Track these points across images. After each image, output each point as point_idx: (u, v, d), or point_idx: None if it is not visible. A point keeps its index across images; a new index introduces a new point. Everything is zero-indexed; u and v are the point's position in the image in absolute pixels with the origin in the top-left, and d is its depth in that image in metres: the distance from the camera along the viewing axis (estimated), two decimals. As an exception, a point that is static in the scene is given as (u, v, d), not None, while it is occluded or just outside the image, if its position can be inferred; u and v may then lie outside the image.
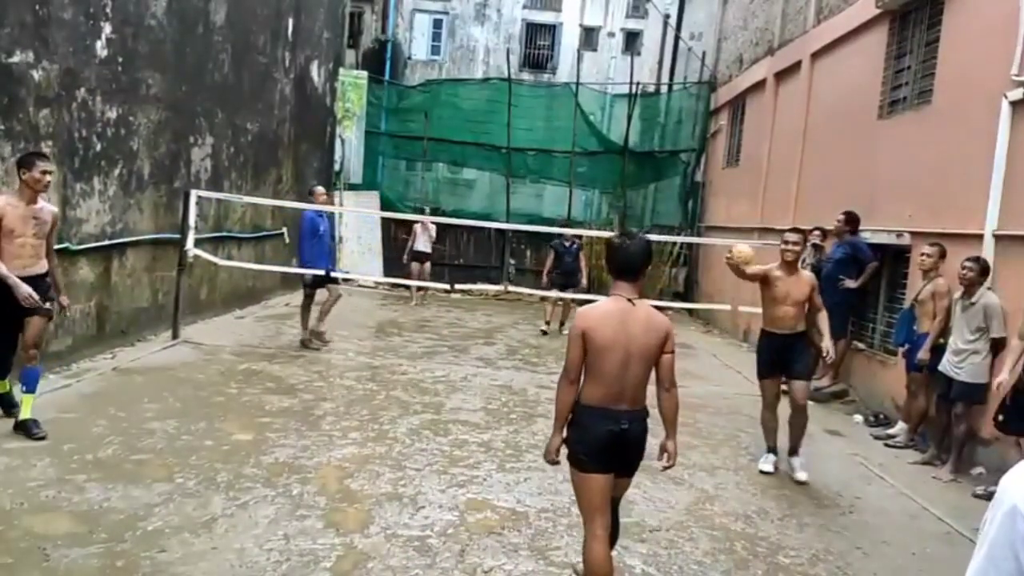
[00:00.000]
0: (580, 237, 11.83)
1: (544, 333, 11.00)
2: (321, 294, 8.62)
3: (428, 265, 12.90)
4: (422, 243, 12.85)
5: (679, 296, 15.08)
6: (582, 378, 3.16)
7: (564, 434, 3.24)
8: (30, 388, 4.93)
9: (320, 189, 8.78)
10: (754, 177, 12.01)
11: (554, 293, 10.83)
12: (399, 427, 5.78)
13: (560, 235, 11.24)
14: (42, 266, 4.97)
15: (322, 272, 8.38)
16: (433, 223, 12.62)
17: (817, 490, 5.28)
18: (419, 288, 12.75)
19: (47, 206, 5.01)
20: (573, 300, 11.68)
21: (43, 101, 6.02)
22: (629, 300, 3.15)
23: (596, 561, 3.10)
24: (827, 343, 5.53)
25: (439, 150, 15.93)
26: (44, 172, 4.81)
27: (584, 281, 11.33)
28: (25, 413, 4.87)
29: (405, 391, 6.93)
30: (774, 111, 11.61)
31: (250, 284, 10.74)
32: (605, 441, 3.10)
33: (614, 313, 3.13)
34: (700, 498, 4.93)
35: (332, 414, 5.98)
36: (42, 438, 4.74)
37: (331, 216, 9.19)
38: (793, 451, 5.58)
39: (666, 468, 3.35)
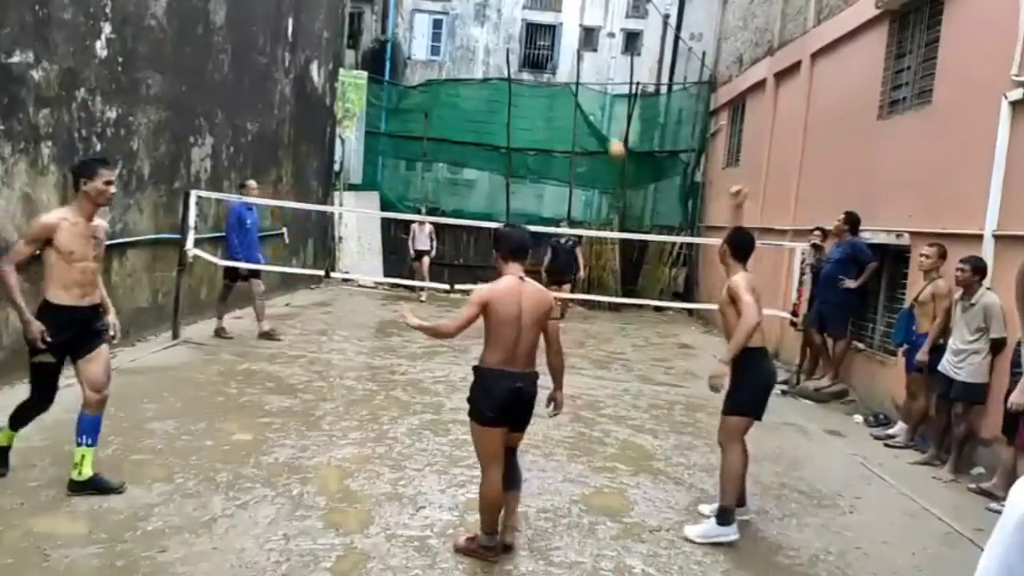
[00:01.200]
0: (580, 237, 12.03)
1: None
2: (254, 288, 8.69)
3: (427, 261, 13.15)
4: (421, 241, 13.10)
5: (679, 296, 15.09)
6: (482, 345, 3.70)
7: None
8: (93, 440, 4.12)
9: (252, 183, 8.79)
10: (754, 177, 12.00)
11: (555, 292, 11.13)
12: (399, 427, 5.78)
13: (557, 234, 11.65)
14: (98, 294, 4.22)
15: (242, 266, 8.39)
16: (429, 223, 12.81)
17: (817, 490, 5.28)
18: (420, 288, 12.93)
19: (102, 222, 4.25)
20: (571, 299, 11.92)
21: (43, 101, 6.02)
22: (520, 278, 3.70)
23: (492, 495, 3.68)
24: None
25: (439, 150, 15.93)
26: (108, 182, 4.03)
27: (579, 277, 11.73)
28: (87, 470, 4.05)
29: (405, 391, 6.93)
30: (774, 111, 11.61)
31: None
32: (504, 399, 3.61)
33: (513, 289, 3.66)
34: (700, 498, 4.93)
35: (332, 414, 5.98)
36: (120, 487, 4.09)
37: (260, 209, 9.24)
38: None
39: (553, 415, 4.02)
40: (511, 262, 3.75)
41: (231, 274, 8.50)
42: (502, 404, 3.61)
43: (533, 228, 12.65)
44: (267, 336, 8.60)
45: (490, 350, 3.66)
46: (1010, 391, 5.18)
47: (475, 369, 3.72)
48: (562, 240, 11.72)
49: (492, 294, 3.63)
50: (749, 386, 4.20)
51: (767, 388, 4.29)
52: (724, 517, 4.18)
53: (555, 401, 3.95)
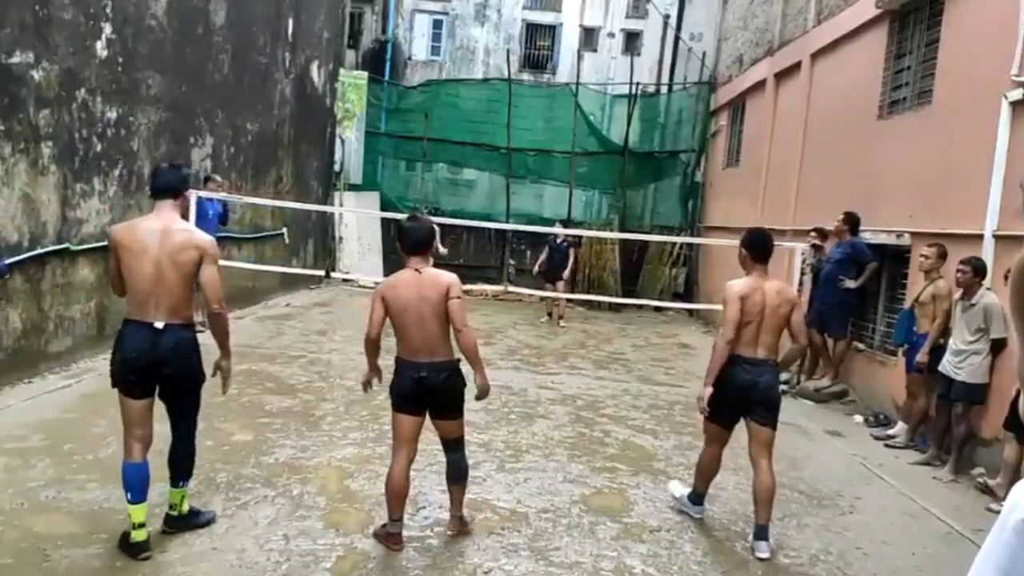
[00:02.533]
0: (577, 237, 12.19)
1: (549, 316, 11.95)
2: None
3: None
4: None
5: (679, 296, 15.08)
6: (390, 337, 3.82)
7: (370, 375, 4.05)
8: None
9: (218, 178, 8.85)
10: (754, 177, 12.01)
11: (549, 292, 11.57)
12: (399, 427, 5.77)
13: (553, 233, 12.03)
14: None
15: None
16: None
17: (817, 490, 5.28)
18: None
19: None
20: (569, 299, 12.10)
21: (43, 101, 6.02)
22: (417, 270, 3.76)
23: (393, 482, 3.77)
24: None
25: (439, 150, 15.93)
26: None
27: (566, 275, 12.02)
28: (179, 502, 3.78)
29: (405, 391, 6.92)
30: (774, 111, 11.61)
31: (250, 284, 10.73)
32: (409, 388, 3.74)
33: (409, 281, 3.75)
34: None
35: (332, 414, 5.98)
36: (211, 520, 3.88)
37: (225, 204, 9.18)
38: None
39: (478, 399, 3.91)
40: (410, 256, 3.81)
41: None
42: (409, 393, 3.75)
43: (532, 228, 12.84)
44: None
45: (398, 342, 3.81)
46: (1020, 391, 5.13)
47: (396, 359, 3.85)
48: (558, 240, 11.88)
49: (387, 289, 3.78)
50: (718, 394, 4.18)
51: (732, 395, 4.16)
52: (693, 496, 4.56)
53: (477, 385, 3.84)
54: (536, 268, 12.47)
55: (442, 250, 12.06)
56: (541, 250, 12.56)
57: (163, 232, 3.54)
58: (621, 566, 3.85)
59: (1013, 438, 5.26)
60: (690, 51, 16.74)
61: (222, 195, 8.91)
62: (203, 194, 8.42)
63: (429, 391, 3.75)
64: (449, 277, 3.76)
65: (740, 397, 4.14)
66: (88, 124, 6.66)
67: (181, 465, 3.73)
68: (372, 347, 3.93)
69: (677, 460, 5.66)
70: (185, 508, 3.75)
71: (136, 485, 3.50)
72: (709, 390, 4.15)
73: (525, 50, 18.16)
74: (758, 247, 4.27)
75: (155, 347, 3.48)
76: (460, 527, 4.01)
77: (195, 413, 3.80)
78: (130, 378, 3.53)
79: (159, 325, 3.50)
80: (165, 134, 8.02)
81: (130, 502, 3.47)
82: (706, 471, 4.46)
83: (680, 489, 4.70)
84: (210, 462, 4.66)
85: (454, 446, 3.96)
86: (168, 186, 3.70)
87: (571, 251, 12.09)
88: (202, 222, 8.40)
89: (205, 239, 3.68)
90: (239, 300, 10.43)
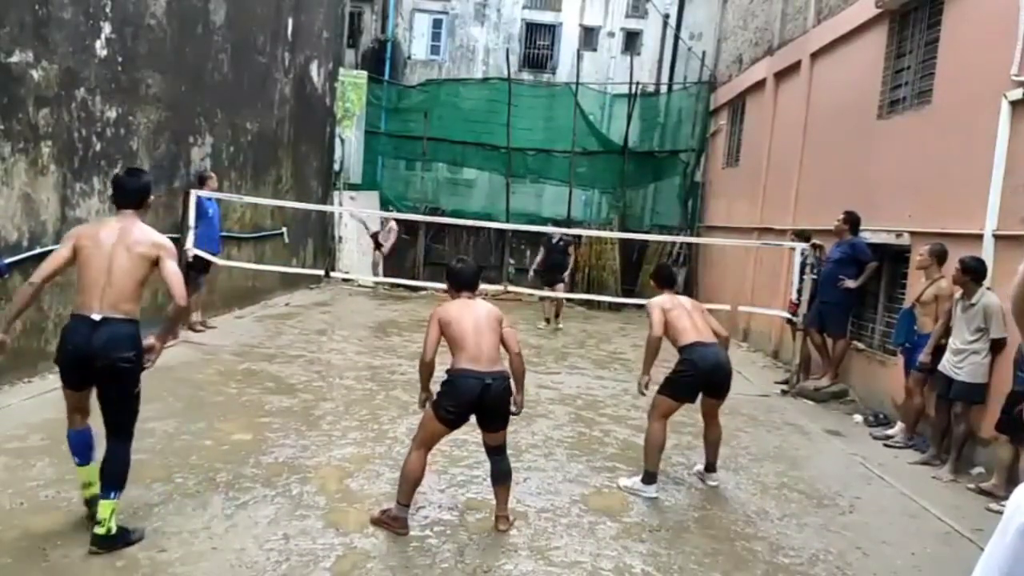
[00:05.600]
0: (577, 237, 12.05)
1: (547, 322, 11.66)
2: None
3: (378, 255, 13.93)
4: (382, 237, 13.77)
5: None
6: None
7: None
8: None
9: (212, 176, 8.79)
10: (754, 177, 12.00)
11: (548, 292, 11.37)
12: (399, 427, 5.78)
13: (550, 234, 11.81)
14: None
15: (207, 256, 8.41)
16: (395, 222, 13.69)
17: (817, 490, 5.28)
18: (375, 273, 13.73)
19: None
20: (567, 299, 11.97)
21: (43, 101, 6.02)
22: (469, 299, 4.18)
23: (419, 468, 4.00)
24: None
25: (439, 150, 15.93)
26: None
27: (565, 277, 11.75)
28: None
29: (405, 391, 6.92)
30: (774, 111, 11.61)
31: (250, 284, 10.73)
32: (471, 396, 3.89)
33: (464, 304, 4.12)
34: (700, 498, 4.94)
35: (332, 414, 5.98)
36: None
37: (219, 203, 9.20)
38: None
39: (515, 415, 4.20)
40: (460, 292, 4.22)
41: (198, 264, 8.49)
42: (467, 400, 3.90)
43: (531, 228, 12.77)
44: (193, 327, 8.58)
45: (456, 355, 4.00)
46: (1013, 393, 5.18)
47: (449, 370, 4.01)
48: (555, 240, 11.62)
49: (442, 311, 4.06)
50: (675, 374, 4.92)
51: (694, 374, 4.85)
52: (646, 478, 4.87)
53: (517, 404, 4.19)
54: (532, 270, 12.19)
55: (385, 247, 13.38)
56: (539, 250, 12.33)
57: (123, 229, 3.63)
58: (621, 565, 3.85)
59: (1007, 440, 5.27)
60: (690, 51, 16.73)
61: (221, 195, 8.91)
62: (203, 193, 8.42)
63: (491, 399, 3.92)
64: (496, 308, 4.17)
65: (695, 373, 4.85)
66: (88, 123, 6.66)
67: (111, 475, 3.52)
68: (428, 370, 4.10)
69: (676, 460, 5.66)
70: (113, 526, 3.47)
71: (80, 449, 3.70)
72: (647, 377, 5.02)
73: (525, 50, 18.16)
74: (666, 279, 5.42)
75: (89, 340, 3.45)
76: (508, 525, 4.14)
77: (131, 419, 3.63)
78: (67, 369, 3.58)
79: (96, 317, 3.47)
80: (164, 134, 8.02)
81: (78, 465, 3.71)
82: (659, 446, 4.90)
83: (630, 480, 4.97)
84: (209, 462, 4.66)
85: (500, 451, 4.15)
86: (129, 199, 3.75)
87: (569, 251, 11.78)
88: (202, 221, 8.41)
89: (163, 238, 3.73)
90: (239, 299, 10.43)
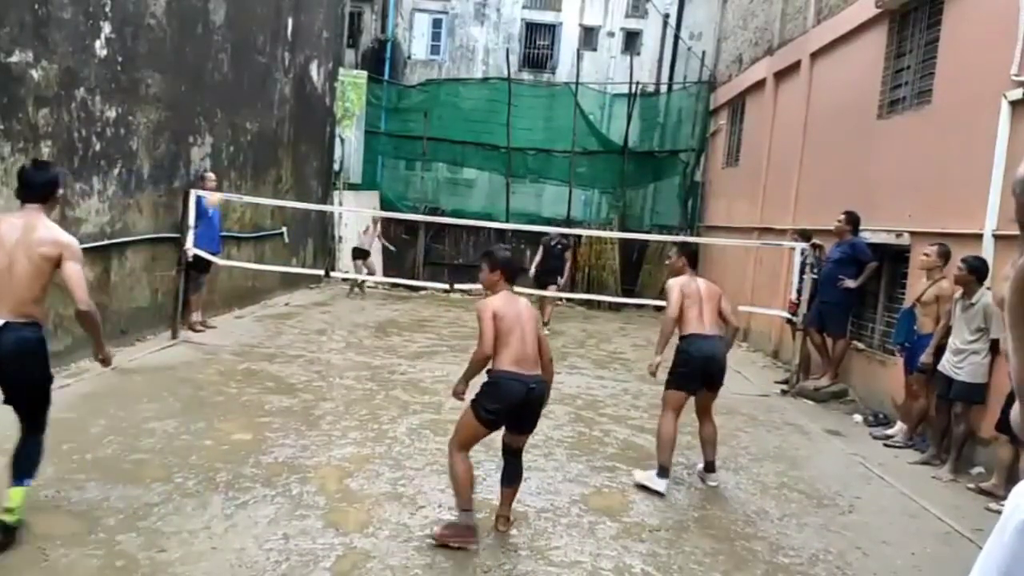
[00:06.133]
0: (577, 237, 11.92)
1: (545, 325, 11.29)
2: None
3: (371, 261, 13.39)
4: (361, 240, 13.33)
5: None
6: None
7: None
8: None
9: (211, 175, 8.78)
10: (754, 177, 12.00)
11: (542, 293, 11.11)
12: (399, 427, 5.78)
13: (547, 233, 11.63)
14: None
15: (207, 255, 8.42)
16: (375, 222, 13.36)
17: (817, 490, 5.28)
18: (355, 283, 13.40)
19: None
20: (558, 299, 11.78)
21: (43, 101, 6.02)
22: (514, 292, 4.09)
23: (469, 468, 3.91)
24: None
25: (439, 150, 15.93)
26: None
27: (562, 281, 11.56)
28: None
29: (405, 391, 6.93)
30: (774, 111, 11.61)
31: (249, 284, 10.73)
32: (516, 399, 3.82)
33: (511, 299, 3.98)
34: (700, 498, 4.93)
35: (332, 414, 5.98)
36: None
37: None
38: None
39: None
40: (508, 283, 4.09)
41: (198, 264, 8.49)
42: (512, 404, 3.81)
43: (532, 228, 12.64)
44: (196, 324, 8.59)
45: (500, 355, 3.85)
46: (1013, 393, 5.16)
47: (489, 372, 3.90)
48: (552, 243, 11.42)
49: (497, 305, 3.90)
50: (675, 366, 5.04)
51: (690, 365, 4.98)
52: (660, 472, 4.93)
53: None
54: (532, 270, 11.82)
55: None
56: (539, 250, 12.13)
57: (25, 227, 3.44)
58: (621, 565, 3.85)
59: (1007, 440, 5.27)
60: (690, 50, 16.73)
61: (219, 194, 8.91)
62: (204, 193, 8.42)
63: (533, 403, 3.88)
64: (533, 308, 4.11)
65: (694, 363, 4.97)
66: (87, 123, 6.66)
67: (24, 460, 3.49)
68: (483, 366, 3.93)
69: (676, 460, 5.64)
70: (23, 516, 3.42)
71: None
72: (658, 359, 5.11)
73: (525, 49, 18.16)
74: (692, 256, 5.51)
75: None
76: (508, 525, 4.10)
77: (43, 412, 3.60)
78: None
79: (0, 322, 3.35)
80: (164, 133, 8.02)
81: None
82: (670, 440, 4.96)
83: (644, 474, 5.03)
84: (209, 462, 4.66)
85: (519, 453, 4.13)
86: (34, 193, 3.55)
87: (566, 255, 11.57)
88: (202, 221, 8.40)
89: (68, 238, 3.56)
90: (239, 299, 10.43)
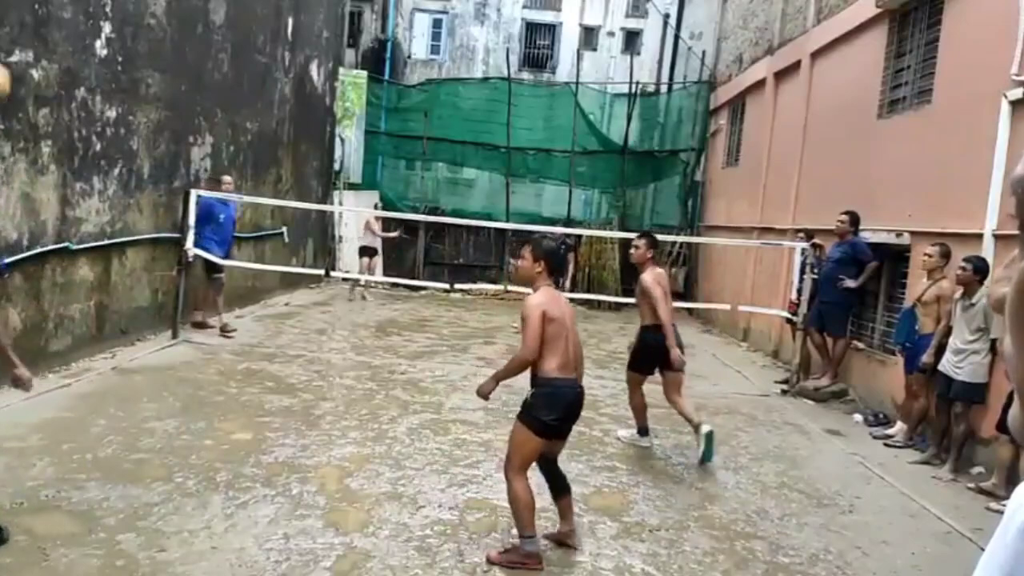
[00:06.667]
0: (577, 236, 11.84)
1: None
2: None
3: (377, 260, 12.93)
4: (368, 239, 12.77)
5: (679, 296, 15.07)
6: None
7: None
8: None
9: (227, 178, 8.86)
10: (754, 177, 12.00)
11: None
12: (399, 426, 5.78)
13: (543, 234, 11.43)
14: None
15: (213, 258, 8.45)
16: (378, 218, 12.79)
17: (817, 490, 5.28)
18: (360, 283, 12.90)
19: None
20: (569, 299, 11.75)
21: (43, 100, 6.02)
22: (559, 289, 3.96)
23: (529, 492, 3.72)
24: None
25: (439, 149, 15.93)
26: None
27: (566, 284, 11.44)
28: None
29: (405, 391, 6.93)
30: (774, 111, 11.61)
31: (250, 284, 10.73)
32: (570, 406, 3.77)
33: (558, 299, 3.82)
34: (700, 498, 4.93)
35: (332, 414, 5.98)
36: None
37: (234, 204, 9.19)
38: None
39: None
40: (554, 277, 3.88)
41: (210, 266, 8.54)
42: (568, 411, 3.72)
43: (532, 228, 12.62)
44: (214, 327, 8.62)
45: (549, 358, 3.66)
46: (1012, 394, 5.16)
47: (537, 379, 3.70)
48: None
49: (547, 306, 3.67)
50: (637, 352, 5.82)
51: (644, 352, 5.75)
52: (640, 430, 5.88)
53: None
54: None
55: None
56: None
57: None
58: (621, 565, 3.85)
59: (1007, 439, 5.27)
60: (690, 50, 16.73)
61: (220, 194, 8.92)
62: (213, 195, 8.42)
63: (579, 408, 3.79)
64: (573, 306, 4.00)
65: (647, 350, 5.73)
66: (87, 123, 6.66)
67: None
68: (524, 370, 3.72)
69: (677, 459, 5.66)
70: None
71: None
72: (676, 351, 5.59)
73: (525, 49, 18.18)
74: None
75: None
76: (574, 539, 3.98)
77: None
78: None
79: None
80: (164, 133, 8.02)
81: None
82: (641, 408, 5.86)
83: (626, 431, 5.99)
84: (209, 461, 4.66)
85: (556, 460, 4.01)
86: None
87: (568, 257, 11.59)
88: (205, 226, 8.35)
89: None
90: (239, 299, 10.43)
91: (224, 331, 8.58)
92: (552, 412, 3.63)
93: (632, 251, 5.90)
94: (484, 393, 3.87)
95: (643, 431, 5.87)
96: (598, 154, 15.87)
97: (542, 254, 3.80)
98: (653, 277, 5.62)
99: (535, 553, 3.67)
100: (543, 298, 3.71)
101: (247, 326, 9.39)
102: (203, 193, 8.34)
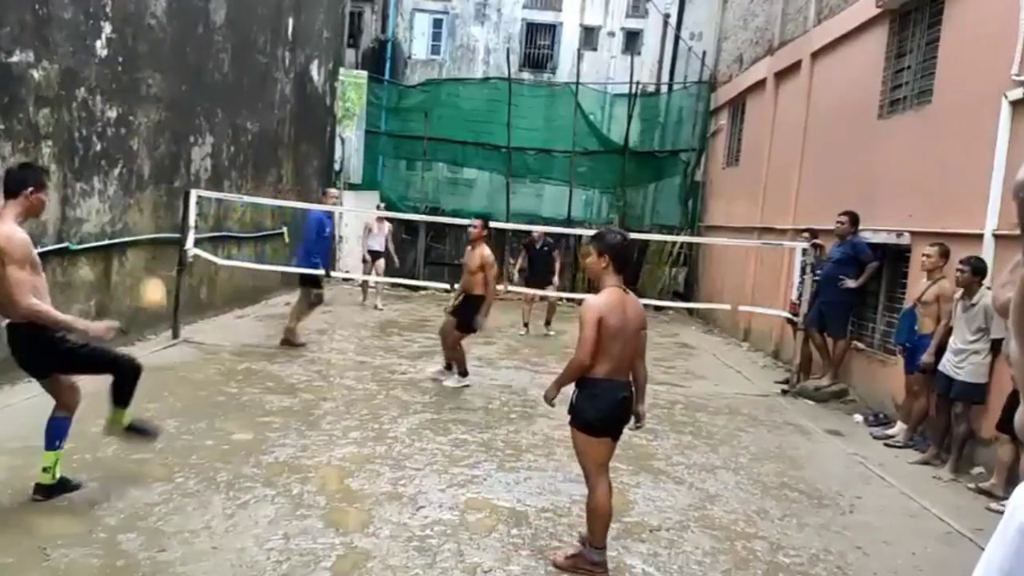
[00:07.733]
0: (577, 236, 11.80)
1: (527, 328, 11.02)
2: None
3: (381, 263, 12.44)
4: (375, 242, 12.38)
5: (679, 296, 15.08)
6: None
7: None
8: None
9: (333, 191, 8.95)
10: (754, 177, 12.00)
11: (542, 292, 10.90)
12: (399, 426, 5.78)
13: (529, 233, 11.36)
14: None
15: (322, 272, 8.42)
16: (386, 219, 12.42)
17: (817, 490, 5.28)
18: (368, 284, 12.56)
19: None
20: (567, 299, 11.66)
21: (43, 101, 6.02)
22: (624, 290, 3.69)
23: (608, 503, 3.66)
24: None
25: (439, 150, 15.93)
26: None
27: (555, 280, 11.26)
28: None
29: (405, 390, 6.93)
30: (774, 111, 11.61)
31: (250, 284, 10.73)
32: (616, 409, 3.65)
33: (619, 301, 3.61)
34: (700, 498, 4.93)
35: (332, 414, 5.98)
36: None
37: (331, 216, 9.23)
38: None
39: (638, 427, 3.94)
40: (619, 275, 3.69)
41: (312, 280, 8.42)
42: (614, 414, 3.63)
43: (532, 228, 12.57)
44: (287, 341, 8.39)
45: (599, 361, 3.57)
46: (1014, 392, 5.17)
47: (583, 380, 3.64)
48: (537, 245, 11.13)
49: (604, 310, 3.55)
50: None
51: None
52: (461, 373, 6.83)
53: (641, 414, 3.89)
54: (516, 273, 11.63)
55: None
56: (521, 252, 11.69)
57: None
58: (621, 565, 3.85)
59: (1008, 439, 5.27)
60: (690, 50, 16.73)
61: (220, 195, 8.92)
62: (320, 207, 8.49)
63: (625, 412, 3.69)
64: (642, 307, 3.75)
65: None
66: (88, 123, 6.66)
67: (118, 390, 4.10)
68: (580, 374, 3.62)
69: (677, 459, 5.66)
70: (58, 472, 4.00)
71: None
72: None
73: (525, 49, 18.17)
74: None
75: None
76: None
77: (99, 368, 4.05)
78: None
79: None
80: (165, 133, 8.02)
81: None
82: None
83: (434, 368, 7.01)
84: (210, 461, 4.66)
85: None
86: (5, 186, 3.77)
87: (554, 254, 11.28)
88: (318, 238, 8.36)
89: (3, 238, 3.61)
90: (240, 299, 10.43)
91: (290, 340, 8.39)
92: (595, 411, 3.57)
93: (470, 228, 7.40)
94: (549, 399, 3.89)
95: (464, 373, 7.11)
96: (598, 154, 15.87)
97: (607, 248, 3.63)
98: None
99: (603, 563, 3.64)
100: (603, 301, 3.58)
101: (248, 326, 9.39)
102: (311, 207, 8.35)
